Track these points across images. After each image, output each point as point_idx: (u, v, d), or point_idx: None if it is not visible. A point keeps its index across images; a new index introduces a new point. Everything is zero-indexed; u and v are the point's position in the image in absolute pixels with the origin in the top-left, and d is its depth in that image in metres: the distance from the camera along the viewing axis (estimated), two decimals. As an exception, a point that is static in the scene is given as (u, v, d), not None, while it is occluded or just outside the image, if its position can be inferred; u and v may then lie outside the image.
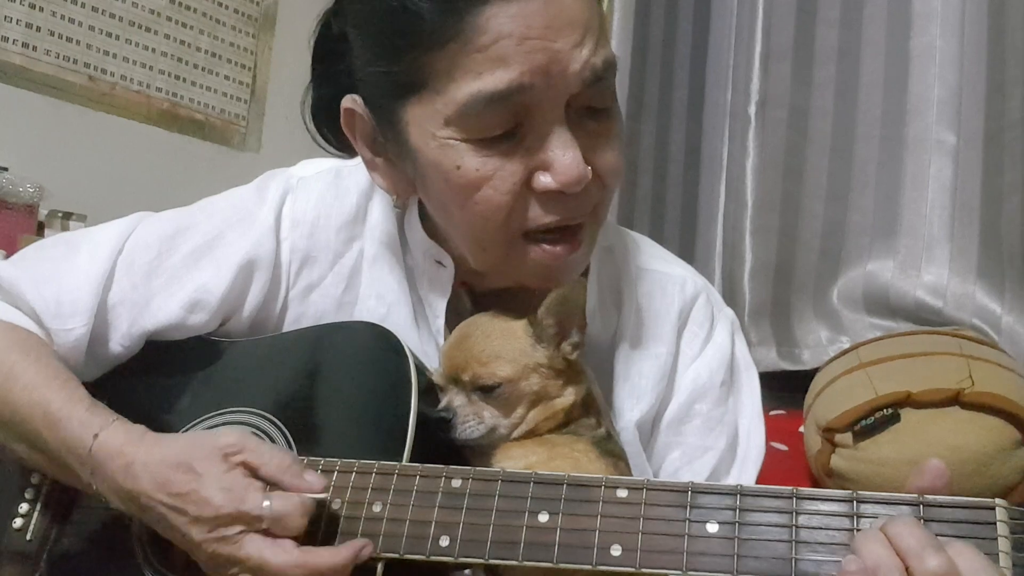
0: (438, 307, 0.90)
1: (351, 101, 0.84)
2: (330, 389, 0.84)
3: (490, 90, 0.74)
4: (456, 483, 0.71)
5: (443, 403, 0.82)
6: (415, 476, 0.73)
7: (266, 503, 0.70)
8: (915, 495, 0.62)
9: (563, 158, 0.77)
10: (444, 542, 0.69)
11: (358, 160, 0.95)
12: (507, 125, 0.76)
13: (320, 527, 0.72)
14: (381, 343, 0.83)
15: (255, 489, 0.70)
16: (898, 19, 1.81)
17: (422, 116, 0.78)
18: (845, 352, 1.64)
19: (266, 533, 0.70)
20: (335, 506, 0.73)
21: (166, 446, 0.75)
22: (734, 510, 0.64)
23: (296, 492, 0.71)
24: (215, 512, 0.70)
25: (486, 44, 0.74)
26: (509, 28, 0.74)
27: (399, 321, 0.90)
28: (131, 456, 0.75)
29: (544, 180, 0.78)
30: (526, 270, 0.83)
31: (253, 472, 0.72)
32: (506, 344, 0.83)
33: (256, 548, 0.69)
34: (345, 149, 0.94)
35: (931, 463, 0.64)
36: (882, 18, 1.84)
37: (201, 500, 0.70)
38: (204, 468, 0.72)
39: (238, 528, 0.69)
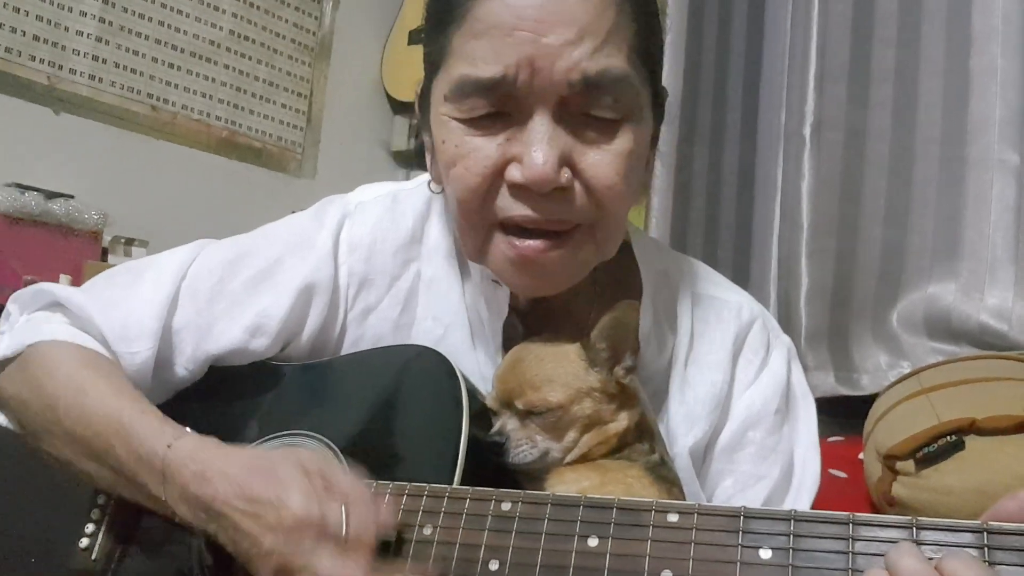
0: (495, 328, 0.91)
1: (418, 85, 0.89)
2: (383, 412, 0.85)
3: (475, 76, 0.77)
4: (506, 506, 0.71)
5: (496, 427, 0.82)
6: (465, 499, 0.72)
7: (343, 516, 0.69)
8: (978, 522, 0.60)
9: (532, 154, 0.77)
10: (494, 566, 0.69)
11: (415, 183, 0.96)
12: (489, 108, 0.79)
13: (388, 548, 0.72)
14: (434, 367, 0.83)
15: (334, 502, 0.70)
16: (957, 38, 1.78)
17: (436, 93, 0.83)
18: (906, 377, 1.61)
19: (338, 548, 0.69)
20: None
21: (245, 453, 0.76)
22: (788, 536, 0.62)
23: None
24: (295, 519, 0.69)
25: (480, 31, 0.77)
26: (501, 18, 0.76)
27: (456, 343, 0.91)
28: (207, 462, 0.75)
29: (513, 172, 0.79)
30: (498, 263, 0.83)
31: (330, 490, 0.72)
32: (559, 368, 0.82)
33: (328, 560, 0.68)
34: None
35: (1022, 492, 0.61)
36: (941, 37, 1.81)
37: (282, 505, 0.69)
38: (286, 475, 0.71)
39: (312, 537, 0.68)
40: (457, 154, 0.80)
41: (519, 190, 0.79)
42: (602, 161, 0.80)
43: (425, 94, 0.87)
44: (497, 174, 0.79)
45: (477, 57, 0.77)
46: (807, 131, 1.90)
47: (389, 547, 0.72)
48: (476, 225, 0.82)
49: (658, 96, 0.87)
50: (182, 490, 0.76)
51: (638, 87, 0.81)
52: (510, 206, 0.80)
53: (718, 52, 2.18)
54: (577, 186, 0.80)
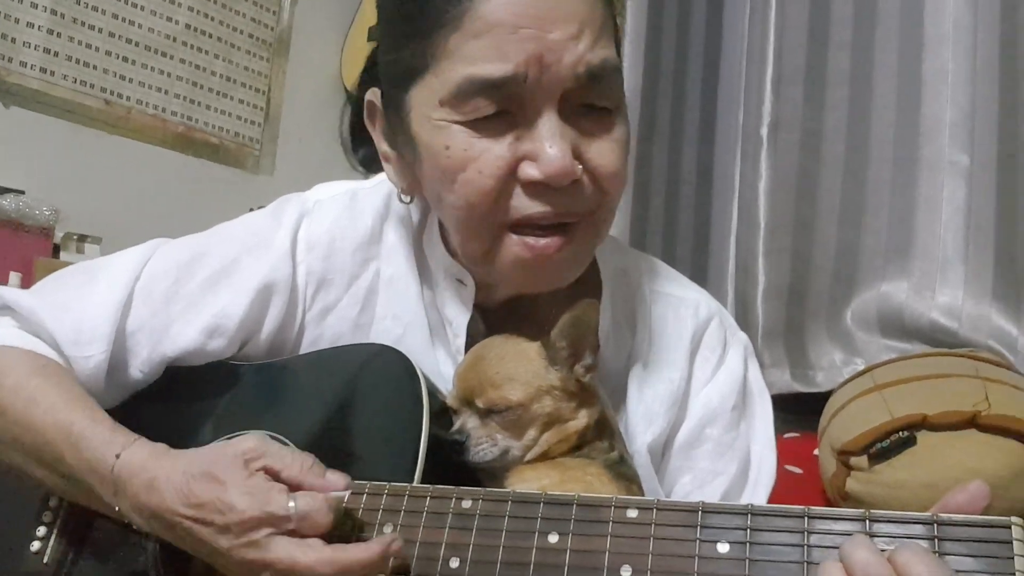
0: (459, 326, 0.90)
1: (372, 94, 0.88)
2: (343, 412, 0.84)
3: (483, 76, 0.77)
4: (466, 504, 0.71)
5: (456, 426, 0.82)
6: (426, 497, 0.72)
7: (291, 503, 0.69)
8: (929, 514, 0.61)
9: (548, 149, 0.77)
10: (454, 563, 0.69)
11: (374, 182, 0.96)
12: (495, 108, 0.78)
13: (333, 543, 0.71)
14: (394, 366, 0.83)
15: (279, 491, 0.70)
16: (910, 42, 1.81)
17: (421, 100, 0.81)
18: (860, 374, 1.63)
19: (293, 534, 0.69)
20: (346, 527, 0.73)
21: (187, 458, 0.75)
22: (745, 530, 0.63)
23: (320, 491, 0.71)
24: (240, 517, 0.69)
25: (481, 31, 0.76)
26: (504, 16, 0.76)
27: (415, 342, 0.91)
28: (153, 471, 0.75)
29: (529, 171, 0.78)
30: (508, 265, 0.83)
31: (275, 476, 0.72)
32: (519, 367, 0.83)
33: (285, 549, 0.68)
34: (372, 164, 0.96)
35: (973, 484, 0.62)
36: (894, 41, 1.85)
37: (225, 506, 0.70)
38: (226, 475, 0.71)
39: (265, 531, 0.69)
40: (467, 158, 0.79)
41: (535, 187, 0.79)
42: (605, 150, 0.81)
43: (392, 102, 0.85)
44: (510, 174, 0.79)
45: (480, 57, 0.77)
46: (764, 132, 1.93)
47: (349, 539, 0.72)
48: (485, 229, 0.81)
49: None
50: (133, 500, 0.75)
51: (622, 78, 0.83)
52: (526, 205, 0.80)
53: (677, 53, 2.20)
54: (585, 177, 0.80)
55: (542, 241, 0.81)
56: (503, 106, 0.78)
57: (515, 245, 0.81)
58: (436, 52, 0.79)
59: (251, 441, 0.74)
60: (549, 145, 0.77)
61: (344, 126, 0.90)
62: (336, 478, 0.72)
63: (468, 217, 0.81)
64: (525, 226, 0.81)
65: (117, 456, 0.76)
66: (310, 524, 0.69)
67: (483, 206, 0.80)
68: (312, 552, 0.68)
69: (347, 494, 0.72)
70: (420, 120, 0.81)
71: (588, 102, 0.80)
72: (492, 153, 0.78)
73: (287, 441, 0.82)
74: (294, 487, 0.71)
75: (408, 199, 0.90)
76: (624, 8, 0.87)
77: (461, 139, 0.79)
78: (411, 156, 0.85)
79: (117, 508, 0.77)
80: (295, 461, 0.72)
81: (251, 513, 0.69)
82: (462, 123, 0.79)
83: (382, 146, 0.89)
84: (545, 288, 0.86)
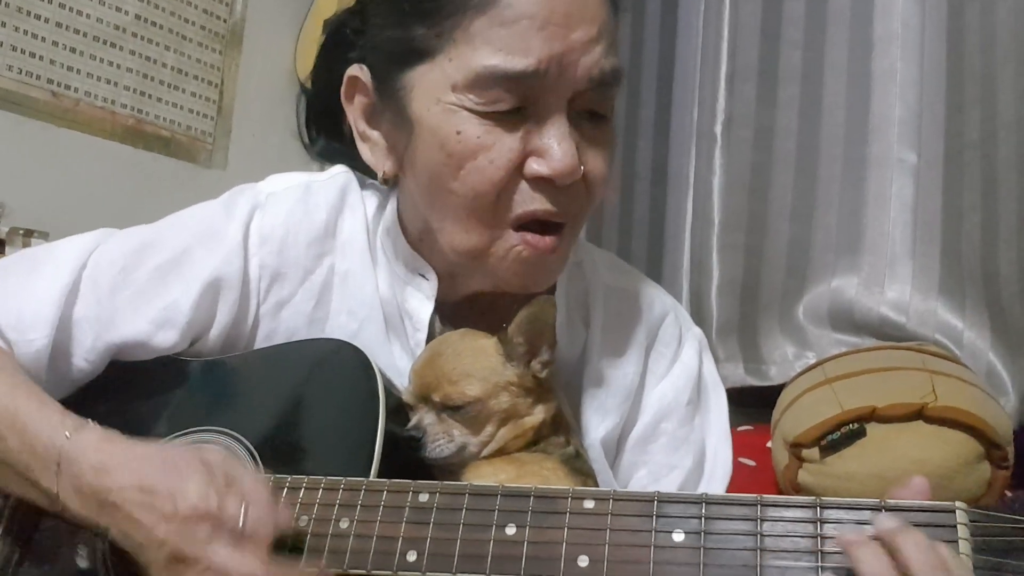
0: (420, 320, 0.90)
1: (357, 69, 0.86)
2: (298, 408, 0.84)
3: (505, 68, 0.77)
4: (423, 498, 0.71)
5: (413, 422, 0.82)
6: (382, 491, 0.72)
7: (242, 510, 0.68)
8: (876, 500, 0.63)
9: (558, 147, 0.78)
10: (411, 557, 0.69)
11: (328, 174, 0.95)
12: (513, 103, 0.78)
13: (287, 543, 0.71)
14: (350, 361, 0.83)
15: (234, 495, 0.69)
16: (859, 41, 1.84)
17: (429, 82, 0.80)
18: (811, 368, 1.66)
19: (232, 544, 0.68)
20: (302, 522, 0.72)
21: (147, 447, 0.75)
22: (700, 519, 0.64)
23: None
24: (190, 508, 0.68)
25: (509, 20, 0.76)
26: (533, 9, 0.76)
27: (370, 337, 0.90)
28: (107, 453, 0.73)
29: (536, 167, 0.79)
30: (507, 262, 0.83)
31: (229, 485, 0.71)
32: (476, 363, 0.83)
33: (224, 552, 0.67)
34: (333, 156, 0.96)
35: (915, 480, 0.65)
36: (844, 40, 1.87)
37: (179, 494, 0.68)
38: (186, 467, 0.70)
39: (208, 528, 0.68)
40: (480, 145, 0.79)
41: (540, 184, 0.80)
42: (599, 154, 0.83)
43: (385, 80, 0.84)
44: (517, 168, 0.79)
45: (505, 47, 0.77)
46: (718, 129, 1.95)
47: (304, 540, 0.72)
48: (484, 223, 0.81)
49: None
50: (76, 482, 0.73)
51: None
52: (530, 200, 0.80)
53: (632, 50, 2.21)
54: (580, 180, 0.81)
55: (543, 238, 0.82)
56: (519, 100, 0.78)
57: (516, 242, 0.82)
58: (455, 34, 0.78)
59: (216, 453, 0.74)
60: (559, 143, 0.78)
61: (301, 118, 0.89)
62: (284, 509, 0.71)
63: (472, 207, 0.81)
64: (526, 223, 0.81)
65: (67, 436, 0.75)
66: (253, 534, 0.68)
67: (489, 196, 0.80)
68: (248, 562, 0.67)
69: (288, 528, 0.71)
70: (425, 102, 0.81)
71: (590, 108, 0.81)
72: (505, 144, 0.79)
73: (241, 438, 0.82)
74: (243, 500, 0.70)
75: (387, 184, 0.89)
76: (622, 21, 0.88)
77: (474, 126, 0.79)
78: (401, 137, 0.84)
79: (56, 491, 0.75)
80: (253, 480, 0.72)
81: (202, 506, 0.68)
82: (477, 111, 0.79)
83: (359, 125, 0.88)
84: (535, 288, 0.86)
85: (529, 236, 0.81)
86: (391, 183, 0.89)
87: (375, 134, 0.87)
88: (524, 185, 0.80)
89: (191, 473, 0.70)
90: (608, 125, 0.84)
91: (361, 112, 0.88)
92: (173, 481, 0.69)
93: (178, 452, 0.74)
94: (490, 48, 0.77)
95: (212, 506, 0.68)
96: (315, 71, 0.94)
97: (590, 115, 0.82)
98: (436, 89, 0.80)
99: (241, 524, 0.68)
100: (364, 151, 0.88)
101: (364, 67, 0.86)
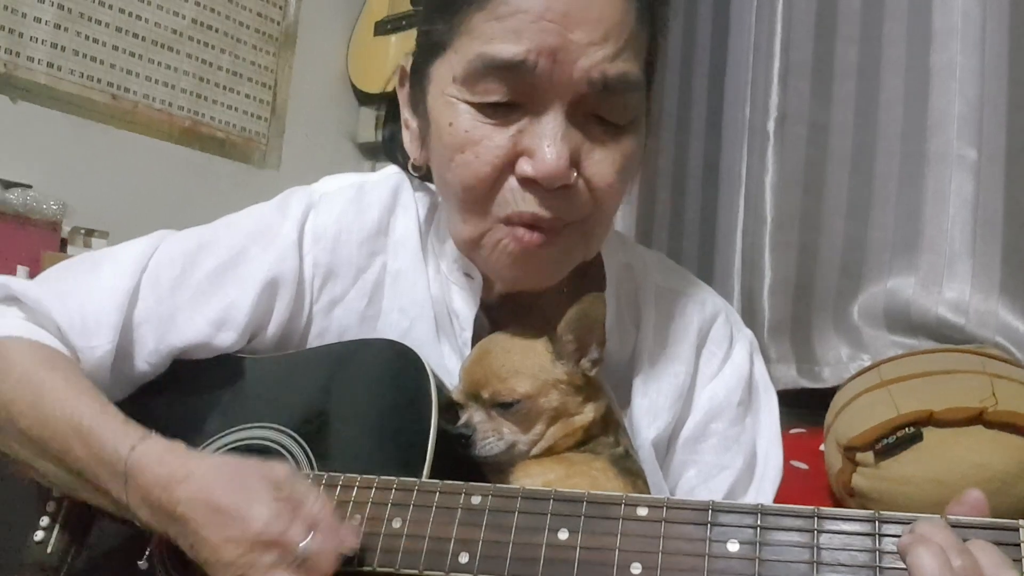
0: (466, 320, 0.90)
1: (405, 60, 0.89)
2: (350, 406, 0.84)
3: (492, 55, 0.77)
4: (476, 500, 0.71)
5: (463, 420, 0.82)
6: (435, 492, 0.72)
7: (307, 539, 0.68)
8: (938, 516, 0.61)
9: (545, 149, 0.77)
10: (463, 559, 0.69)
11: (381, 175, 0.96)
12: (504, 95, 0.78)
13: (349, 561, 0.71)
14: (401, 360, 0.83)
15: (299, 523, 0.69)
16: (918, 35, 1.80)
17: (440, 74, 0.82)
18: (866, 370, 1.63)
19: (296, 569, 0.68)
20: (355, 521, 0.73)
21: (214, 460, 0.75)
22: (755, 529, 0.63)
23: (331, 537, 0.70)
24: (256, 534, 0.68)
25: (504, 14, 0.77)
26: (531, 5, 0.76)
27: (421, 336, 0.91)
28: (172, 466, 0.73)
29: (524, 167, 0.79)
30: (496, 254, 0.83)
31: (297, 508, 0.70)
32: (526, 360, 0.83)
33: None
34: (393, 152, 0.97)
35: (971, 493, 0.63)
36: (902, 34, 1.84)
37: (247, 517, 0.68)
38: (255, 487, 0.70)
39: (273, 556, 0.67)
40: (468, 139, 0.79)
41: (528, 185, 0.79)
42: (605, 160, 0.81)
43: (418, 71, 0.86)
44: (506, 166, 0.79)
45: (496, 37, 0.77)
46: (771, 126, 1.92)
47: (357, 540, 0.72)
48: (477, 215, 0.82)
49: (650, 112, 0.88)
50: (145, 494, 0.74)
51: (643, 96, 0.83)
52: (517, 200, 0.80)
53: (684, 47, 2.20)
54: (580, 184, 0.80)
55: (528, 235, 0.81)
56: (513, 95, 0.78)
57: (504, 235, 0.82)
58: (461, 29, 0.80)
59: (285, 468, 0.73)
60: (547, 144, 0.78)
61: (366, 125, 0.91)
62: (349, 533, 0.71)
63: (462, 199, 0.82)
64: (513, 220, 0.81)
65: (132, 448, 0.75)
66: (316, 566, 0.68)
67: (477, 190, 0.80)
68: None
69: (353, 551, 0.71)
70: (435, 93, 0.83)
71: (598, 113, 0.80)
72: (492, 141, 0.79)
73: (295, 436, 0.82)
74: (310, 525, 0.69)
75: (418, 172, 0.91)
76: (666, 27, 0.86)
77: (466, 119, 0.80)
78: (425, 128, 0.86)
79: (126, 501, 0.76)
80: (319, 501, 0.71)
81: (268, 533, 0.68)
82: (471, 103, 0.79)
83: (404, 113, 0.90)
84: (527, 286, 0.86)
85: (518, 231, 0.81)
86: (422, 171, 0.90)
87: (414, 123, 0.90)
88: (514, 184, 0.80)
89: (259, 494, 0.69)
90: (624, 132, 0.82)
91: (407, 101, 0.90)
92: (241, 501, 0.69)
93: (247, 468, 0.73)
94: (483, 39, 0.78)
95: (278, 532, 0.68)
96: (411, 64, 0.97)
97: (600, 120, 0.81)
98: (442, 82, 0.82)
99: (306, 551, 0.67)
100: (405, 137, 0.91)
101: (410, 58, 0.89)
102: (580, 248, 0.86)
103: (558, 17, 0.76)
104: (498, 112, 0.79)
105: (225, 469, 0.73)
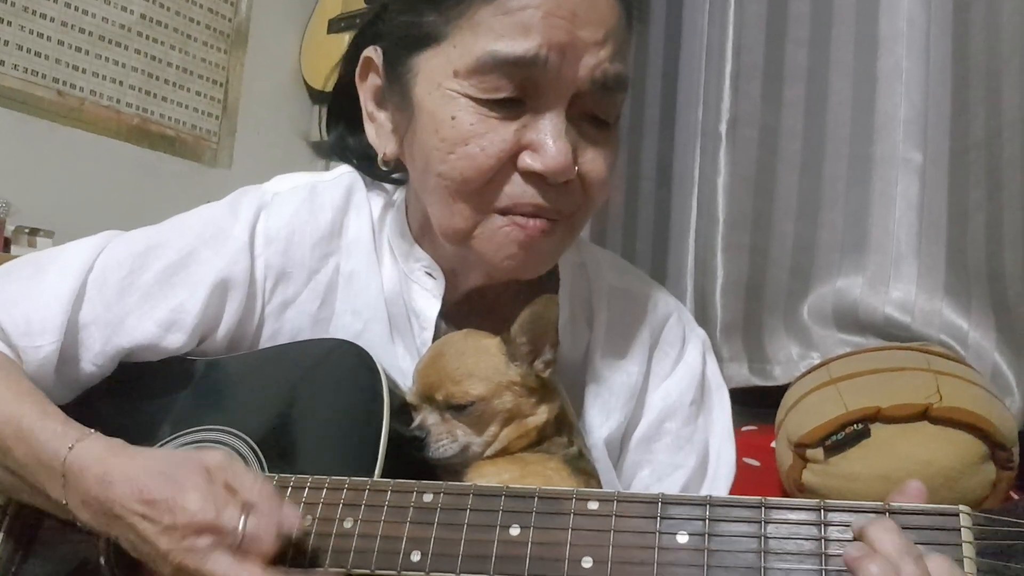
0: (427, 319, 0.90)
1: (372, 51, 0.88)
2: (302, 407, 0.84)
3: (505, 53, 0.77)
4: (427, 498, 0.71)
5: (416, 422, 0.82)
6: (386, 491, 0.72)
7: (242, 520, 0.68)
8: (880, 503, 0.63)
9: (552, 144, 0.78)
10: (415, 557, 0.69)
11: (334, 175, 0.95)
12: (512, 91, 0.78)
13: (290, 542, 0.71)
14: (354, 361, 0.83)
15: (233, 506, 0.69)
16: (865, 40, 1.84)
17: (433, 67, 0.81)
18: (816, 368, 1.66)
19: (235, 551, 0.68)
20: (306, 522, 0.72)
21: (149, 456, 0.75)
22: (704, 520, 0.64)
23: (271, 519, 0.70)
24: (189, 519, 0.68)
25: (514, 9, 0.77)
26: (540, 1, 0.77)
27: (375, 337, 0.90)
28: (110, 464, 0.73)
29: (529, 161, 0.79)
30: (493, 245, 0.83)
31: (232, 493, 0.70)
32: (479, 362, 0.83)
33: (223, 564, 0.68)
34: (344, 152, 0.96)
35: (911, 484, 0.65)
36: (849, 39, 1.87)
37: (177, 507, 0.69)
38: (185, 479, 0.70)
39: (208, 540, 0.68)
40: (473, 132, 0.79)
41: (532, 178, 0.80)
42: (598, 156, 0.83)
43: (397, 63, 0.85)
44: (509, 160, 0.80)
45: (506, 33, 0.77)
46: (723, 128, 1.94)
47: (308, 540, 0.72)
48: (471, 207, 0.82)
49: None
50: (83, 494, 0.74)
51: (625, 97, 0.85)
52: (520, 193, 0.80)
53: (637, 49, 2.21)
54: (576, 179, 0.82)
55: (532, 222, 0.81)
56: (519, 91, 0.79)
57: (504, 225, 0.82)
58: (461, 22, 0.79)
59: (218, 456, 0.73)
60: (553, 140, 0.79)
61: (319, 124, 0.90)
62: (291, 513, 0.71)
63: (457, 191, 0.81)
64: (512, 211, 0.81)
65: (70, 448, 0.75)
66: (255, 545, 0.68)
67: (476, 182, 0.80)
68: (248, 572, 0.67)
69: (296, 532, 0.71)
70: (427, 86, 0.82)
71: (593, 112, 0.82)
72: (497, 135, 0.79)
73: (246, 438, 0.82)
74: (246, 507, 0.69)
75: (388, 166, 0.90)
76: (639, 32, 0.89)
77: (470, 113, 0.79)
78: (403, 120, 0.85)
79: (65, 501, 0.75)
80: (255, 484, 0.71)
81: (200, 518, 0.68)
82: (475, 99, 0.79)
83: (368, 105, 0.89)
84: (525, 274, 0.86)
85: (519, 219, 0.81)
86: (391, 165, 0.90)
87: (382, 115, 0.88)
88: (516, 177, 0.81)
89: (189, 483, 0.70)
90: (611, 131, 0.84)
91: (371, 93, 0.89)
92: (171, 491, 0.69)
93: (178, 459, 0.73)
94: (492, 35, 0.78)
95: (210, 517, 0.68)
96: (345, 57, 0.95)
97: (592, 119, 0.82)
98: (438, 74, 0.81)
99: (241, 533, 0.68)
100: (370, 131, 0.89)
101: (378, 49, 0.87)
102: (568, 241, 0.87)
103: (567, 14, 0.77)
104: (501, 107, 0.79)
105: (157, 463, 0.73)
